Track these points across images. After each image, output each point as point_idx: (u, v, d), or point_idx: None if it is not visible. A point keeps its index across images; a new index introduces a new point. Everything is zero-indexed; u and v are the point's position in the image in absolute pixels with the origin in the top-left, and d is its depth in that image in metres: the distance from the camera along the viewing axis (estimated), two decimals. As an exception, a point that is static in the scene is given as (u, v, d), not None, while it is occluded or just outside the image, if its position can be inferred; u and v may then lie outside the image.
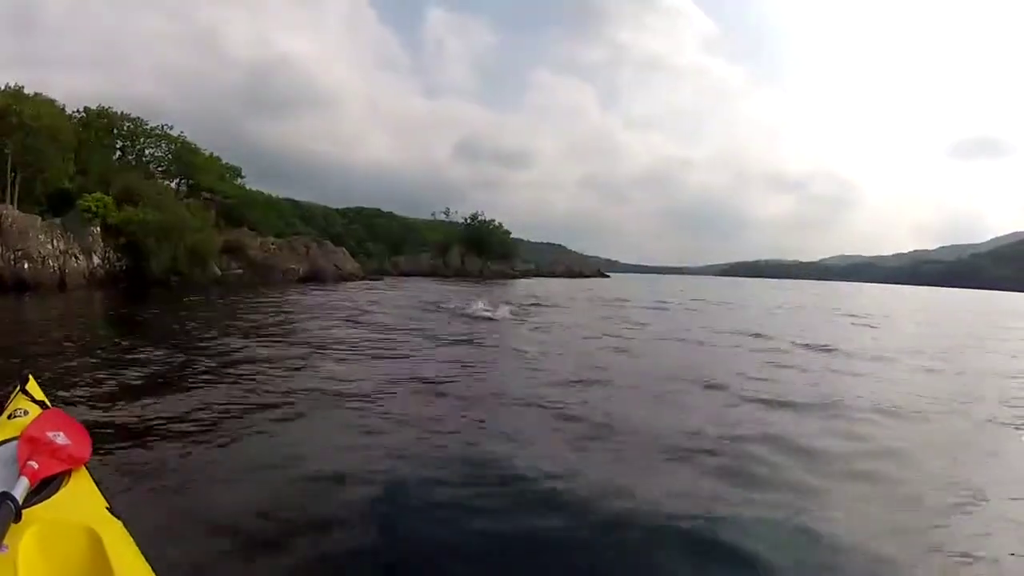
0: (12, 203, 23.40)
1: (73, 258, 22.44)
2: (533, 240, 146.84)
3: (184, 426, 4.66)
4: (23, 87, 26.27)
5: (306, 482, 3.64)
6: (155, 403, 5.28)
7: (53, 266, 21.51)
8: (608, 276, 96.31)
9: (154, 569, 1.28)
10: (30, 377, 2.33)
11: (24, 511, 1.30)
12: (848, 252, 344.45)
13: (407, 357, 8.39)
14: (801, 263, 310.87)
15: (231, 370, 6.90)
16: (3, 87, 25.91)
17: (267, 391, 5.90)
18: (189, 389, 5.92)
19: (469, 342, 10.08)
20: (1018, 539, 3.25)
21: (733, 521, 3.20)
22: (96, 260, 23.57)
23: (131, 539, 1.36)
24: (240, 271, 30.46)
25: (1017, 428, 5.66)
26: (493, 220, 67.40)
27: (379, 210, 79.68)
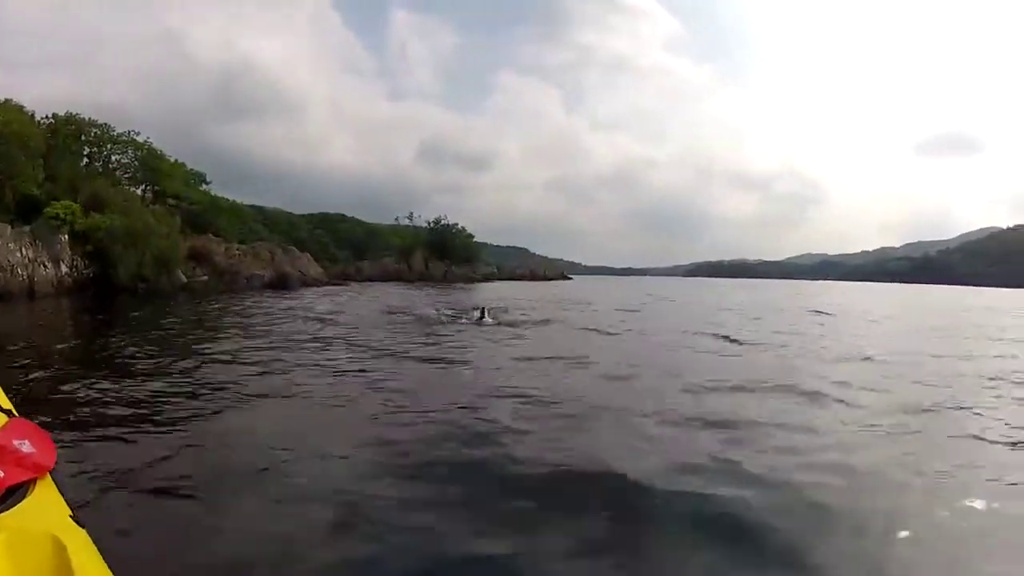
0: (-19, 211, 23.79)
1: (42, 266, 23.14)
2: (497, 243, 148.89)
3: (147, 436, 4.92)
4: (-9, 94, 26.71)
5: (270, 492, 3.83)
6: (118, 412, 5.61)
7: (22, 275, 22.18)
8: (571, 279, 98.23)
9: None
10: None
11: None
12: (814, 251, 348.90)
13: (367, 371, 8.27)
14: (767, 262, 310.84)
15: (193, 381, 7.17)
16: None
17: (232, 399, 6.23)
18: (152, 401, 6.15)
19: (434, 349, 10.56)
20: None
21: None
22: (64, 268, 24.24)
23: (94, 547, 1.37)
24: (205, 278, 31.14)
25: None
26: (456, 224, 68.69)
27: (343, 215, 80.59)
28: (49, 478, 1.68)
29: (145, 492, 3.75)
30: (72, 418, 5.37)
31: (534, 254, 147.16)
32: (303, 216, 72.76)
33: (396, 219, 71.75)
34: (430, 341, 11.54)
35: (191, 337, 11.94)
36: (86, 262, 25.27)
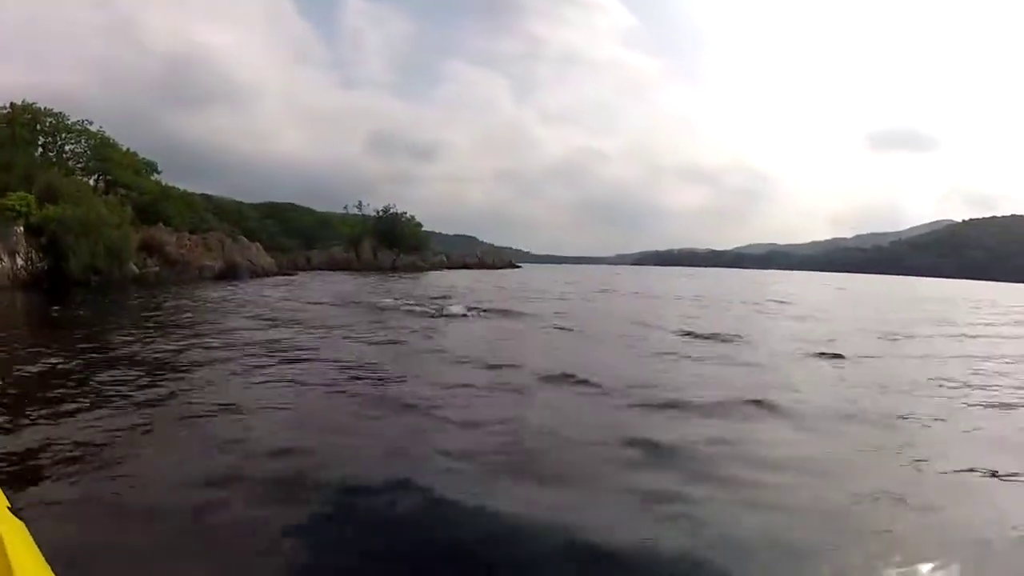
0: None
1: (-2, 259, 23.63)
2: (446, 232, 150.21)
3: (87, 429, 5.10)
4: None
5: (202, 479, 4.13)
6: (59, 408, 5.86)
7: (-21, 269, 22.61)
8: (519, 267, 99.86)
9: (53, 570, 1.28)
10: None
11: None
12: (763, 241, 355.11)
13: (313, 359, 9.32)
14: (715, 252, 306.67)
15: (138, 375, 7.61)
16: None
17: (173, 393, 6.67)
18: (95, 394, 6.43)
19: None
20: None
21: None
22: (20, 261, 24.79)
23: (32, 540, 1.35)
24: (157, 269, 31.63)
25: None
26: (405, 212, 70.13)
27: (293, 204, 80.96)
28: None
29: (81, 480, 3.96)
30: (11, 414, 5.64)
31: (483, 243, 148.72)
32: (252, 205, 72.82)
33: (345, 208, 72.31)
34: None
35: (141, 332, 12.08)
36: (41, 254, 25.58)
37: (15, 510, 1.49)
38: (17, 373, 7.80)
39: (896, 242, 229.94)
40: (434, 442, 5.28)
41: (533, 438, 5.45)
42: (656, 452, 5.09)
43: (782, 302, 26.58)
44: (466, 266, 77.79)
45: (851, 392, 7.97)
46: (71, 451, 4.58)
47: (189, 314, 16.64)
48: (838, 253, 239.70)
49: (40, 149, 33.11)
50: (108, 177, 35.58)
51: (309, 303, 19.52)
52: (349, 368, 8.55)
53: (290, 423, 5.90)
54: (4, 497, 1.56)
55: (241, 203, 70.54)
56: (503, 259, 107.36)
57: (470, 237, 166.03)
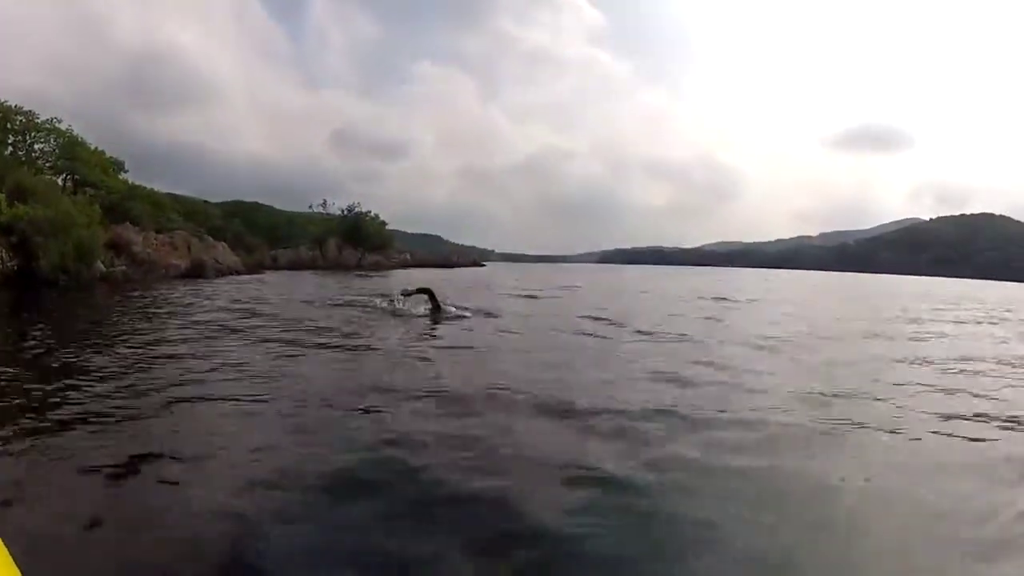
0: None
1: (-31, 261, 24.09)
2: (411, 231, 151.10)
3: (55, 435, 5.05)
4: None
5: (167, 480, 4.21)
6: (27, 414, 5.75)
7: (-49, 270, 22.87)
8: (484, 265, 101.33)
9: (24, 574, 1.27)
10: None
11: None
12: (729, 239, 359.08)
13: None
14: (681, 249, 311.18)
15: (106, 379, 7.39)
16: None
17: (145, 397, 6.53)
18: (65, 401, 6.24)
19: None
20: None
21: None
22: None
23: (6, 550, 1.35)
24: (124, 268, 32.06)
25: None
26: (369, 211, 71.38)
27: (258, 203, 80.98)
28: None
29: (51, 495, 3.91)
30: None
31: (448, 242, 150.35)
32: (218, 204, 72.29)
33: (310, 207, 72.77)
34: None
35: (111, 332, 12.26)
36: (11, 255, 25.83)
37: None
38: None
39: (862, 240, 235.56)
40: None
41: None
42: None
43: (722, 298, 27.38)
44: (430, 264, 78.66)
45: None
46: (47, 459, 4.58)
47: (152, 320, 15.51)
48: (805, 251, 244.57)
49: (10, 148, 33.25)
50: (76, 176, 35.86)
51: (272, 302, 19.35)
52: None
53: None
54: None
55: (207, 202, 70.07)
56: (468, 258, 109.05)
57: (434, 236, 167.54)
